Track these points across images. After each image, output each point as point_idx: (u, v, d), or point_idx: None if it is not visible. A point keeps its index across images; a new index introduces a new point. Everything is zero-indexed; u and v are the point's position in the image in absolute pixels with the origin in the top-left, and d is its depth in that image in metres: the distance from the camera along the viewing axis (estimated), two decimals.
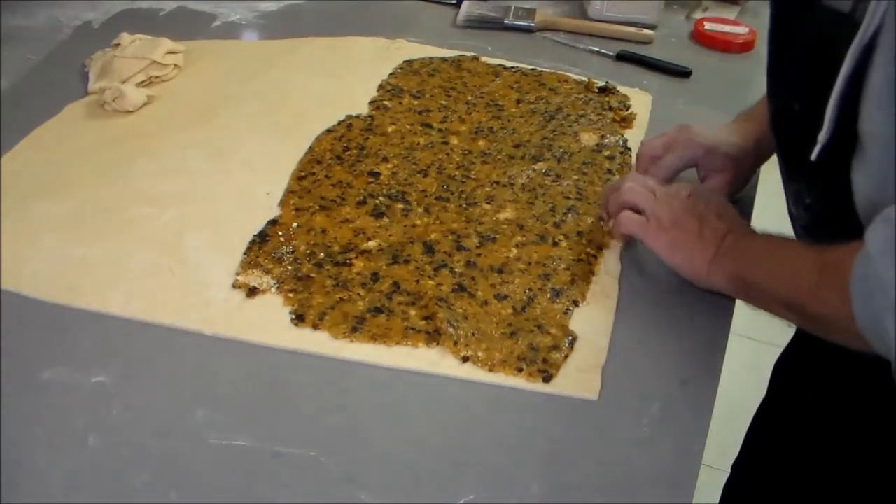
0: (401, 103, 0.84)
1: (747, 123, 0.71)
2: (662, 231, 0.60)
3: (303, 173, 0.73)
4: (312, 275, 0.62)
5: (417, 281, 0.62)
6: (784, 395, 0.74)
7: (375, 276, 0.62)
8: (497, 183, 0.73)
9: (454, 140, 0.79)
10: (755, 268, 0.55)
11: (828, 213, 0.56)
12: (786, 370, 0.75)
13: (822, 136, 0.49)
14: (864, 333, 0.44)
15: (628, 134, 0.81)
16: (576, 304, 0.61)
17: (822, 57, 0.49)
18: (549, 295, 0.61)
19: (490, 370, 0.55)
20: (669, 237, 0.60)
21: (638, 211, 0.62)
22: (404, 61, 0.92)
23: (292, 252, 0.64)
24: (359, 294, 0.61)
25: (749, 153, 0.69)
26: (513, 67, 0.92)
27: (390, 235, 0.66)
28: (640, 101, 0.87)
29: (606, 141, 0.79)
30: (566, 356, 0.56)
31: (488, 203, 0.70)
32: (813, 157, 0.50)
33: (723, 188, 0.69)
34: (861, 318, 0.44)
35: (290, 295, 0.60)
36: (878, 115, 0.44)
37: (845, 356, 0.50)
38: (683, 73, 0.94)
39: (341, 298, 0.60)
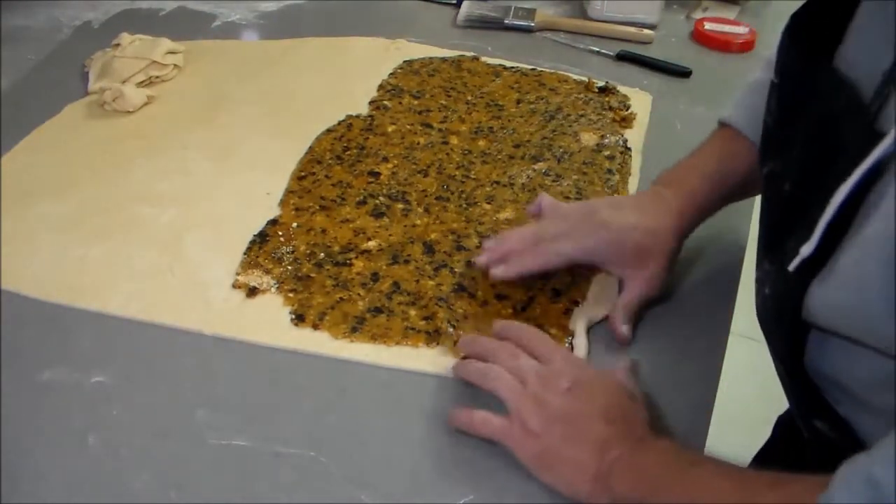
0: (401, 103, 0.84)
1: (669, 192, 0.60)
2: (529, 438, 0.48)
3: (303, 173, 0.73)
4: (312, 275, 0.62)
5: (417, 281, 0.62)
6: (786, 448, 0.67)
7: (375, 276, 0.62)
8: (497, 183, 0.73)
9: (454, 140, 0.79)
10: (654, 495, 0.44)
11: (779, 314, 0.47)
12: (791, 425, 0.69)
13: (806, 250, 0.42)
14: None
15: (628, 134, 0.81)
16: (576, 303, 0.61)
17: (834, 155, 0.42)
18: (549, 295, 0.61)
19: None
20: (538, 447, 0.48)
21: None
22: (404, 61, 0.92)
23: (292, 252, 0.64)
24: (359, 294, 0.61)
25: (668, 233, 0.58)
26: (513, 67, 0.92)
27: (390, 235, 0.66)
28: (640, 101, 0.87)
29: (606, 141, 0.79)
30: None
31: (488, 203, 0.70)
32: (790, 267, 0.43)
33: (642, 284, 0.58)
34: None
35: (290, 295, 0.60)
36: (869, 266, 0.39)
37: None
38: (683, 73, 0.94)
39: (341, 298, 0.60)
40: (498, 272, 0.59)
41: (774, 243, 0.47)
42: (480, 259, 0.60)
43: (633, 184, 0.75)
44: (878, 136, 0.39)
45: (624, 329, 0.57)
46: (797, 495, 0.37)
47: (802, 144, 0.47)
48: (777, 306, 0.47)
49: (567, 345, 0.57)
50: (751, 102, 0.61)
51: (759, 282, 0.50)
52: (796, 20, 0.50)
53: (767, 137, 0.52)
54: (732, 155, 0.61)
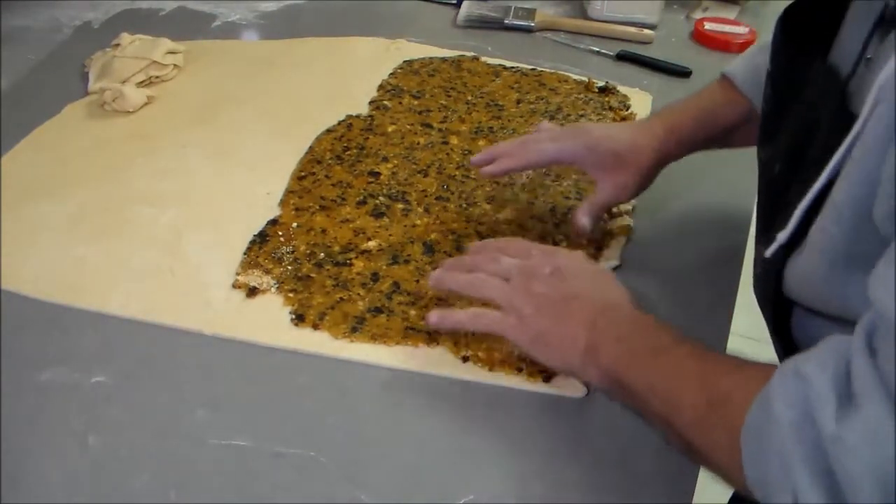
0: (401, 103, 0.84)
1: (655, 121, 0.65)
2: (523, 324, 0.51)
3: (303, 173, 0.73)
4: (312, 275, 0.62)
5: (417, 281, 0.62)
6: None
7: (375, 276, 0.62)
8: (497, 183, 0.73)
9: (454, 140, 0.79)
10: (632, 369, 0.46)
11: (765, 292, 0.50)
12: None
13: (783, 236, 0.44)
14: (754, 490, 0.37)
15: None
16: None
17: (812, 138, 0.45)
18: None
19: (490, 370, 0.55)
20: (533, 331, 0.51)
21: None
22: (404, 61, 0.92)
23: (292, 252, 0.64)
24: (359, 294, 0.61)
25: (647, 152, 0.62)
26: (513, 67, 0.92)
27: (390, 235, 0.66)
28: (640, 101, 0.87)
29: None
30: None
31: (488, 203, 0.70)
32: (767, 253, 0.46)
33: (610, 188, 0.62)
34: (752, 478, 0.37)
35: (290, 295, 0.60)
36: (833, 230, 0.41)
37: None
38: (683, 73, 0.94)
39: (341, 298, 0.60)
40: (486, 170, 0.64)
41: (767, 226, 0.49)
42: (473, 159, 0.66)
43: None
44: (851, 117, 0.40)
45: (584, 221, 0.63)
46: (748, 381, 0.39)
47: (791, 130, 0.49)
48: (764, 285, 0.49)
49: None
50: (752, 60, 0.63)
51: (754, 262, 0.52)
52: (790, 12, 0.51)
53: (763, 124, 0.55)
54: (724, 102, 0.65)
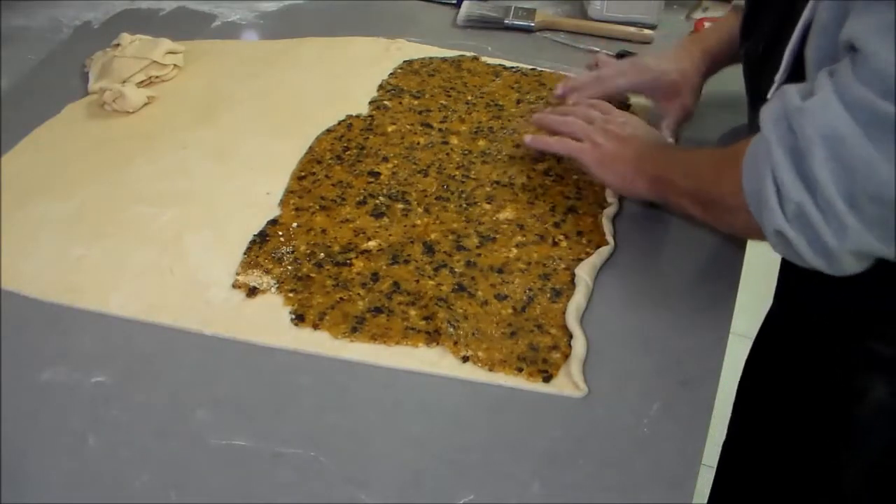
0: (401, 103, 0.84)
1: (693, 46, 0.81)
2: (594, 149, 0.68)
3: (303, 173, 0.73)
4: (312, 275, 0.62)
5: (417, 281, 0.62)
6: (756, 390, 0.78)
7: (375, 276, 0.62)
8: (497, 183, 0.73)
9: (454, 140, 0.79)
10: (669, 167, 0.63)
11: None
12: (756, 363, 0.79)
13: (779, 77, 0.55)
14: (750, 205, 0.50)
15: None
16: None
17: (790, 5, 0.55)
18: (549, 295, 0.61)
19: (490, 370, 0.55)
20: (600, 154, 0.68)
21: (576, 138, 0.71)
22: (404, 61, 0.92)
23: (292, 252, 0.64)
24: (359, 294, 0.61)
25: (694, 73, 0.79)
26: (513, 67, 0.92)
27: (390, 235, 0.66)
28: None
29: None
30: (566, 356, 0.56)
31: (488, 203, 0.70)
32: (768, 95, 0.55)
33: (678, 110, 0.78)
34: (747, 187, 0.50)
35: (290, 295, 0.60)
36: (818, 42, 0.50)
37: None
38: None
39: (341, 298, 0.60)
40: (573, 97, 0.79)
41: (762, 94, 0.58)
42: (557, 91, 0.80)
43: None
44: None
45: (671, 139, 0.77)
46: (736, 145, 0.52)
47: (772, 12, 0.61)
48: None
49: (567, 344, 0.57)
50: None
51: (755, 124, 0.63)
52: None
53: (744, 21, 0.69)
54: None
